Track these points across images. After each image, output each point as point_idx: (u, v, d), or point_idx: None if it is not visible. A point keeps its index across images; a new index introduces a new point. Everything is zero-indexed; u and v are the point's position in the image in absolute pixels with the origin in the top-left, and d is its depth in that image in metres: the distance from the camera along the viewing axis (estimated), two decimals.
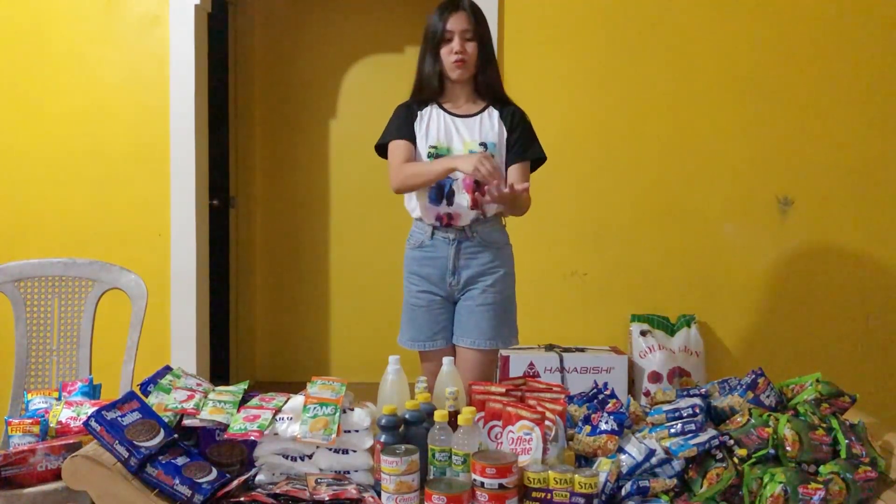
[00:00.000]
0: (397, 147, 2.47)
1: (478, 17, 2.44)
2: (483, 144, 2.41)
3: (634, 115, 3.62)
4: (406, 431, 1.75)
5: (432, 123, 2.46)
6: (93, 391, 2.25)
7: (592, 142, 3.63)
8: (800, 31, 3.58)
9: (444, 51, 2.42)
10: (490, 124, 2.44)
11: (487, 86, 2.47)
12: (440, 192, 2.42)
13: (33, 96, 3.63)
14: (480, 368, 2.42)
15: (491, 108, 2.47)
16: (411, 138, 2.45)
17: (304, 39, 4.91)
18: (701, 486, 1.67)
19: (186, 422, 1.76)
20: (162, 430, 1.69)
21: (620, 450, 1.72)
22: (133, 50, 3.61)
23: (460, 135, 2.43)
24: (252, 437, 1.71)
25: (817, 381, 1.93)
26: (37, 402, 2.19)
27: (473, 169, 2.23)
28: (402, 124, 2.48)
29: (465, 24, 2.40)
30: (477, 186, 2.40)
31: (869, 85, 3.59)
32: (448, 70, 2.43)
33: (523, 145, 2.46)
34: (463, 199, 2.41)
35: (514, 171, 2.45)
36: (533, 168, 2.53)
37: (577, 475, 1.59)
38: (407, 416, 1.76)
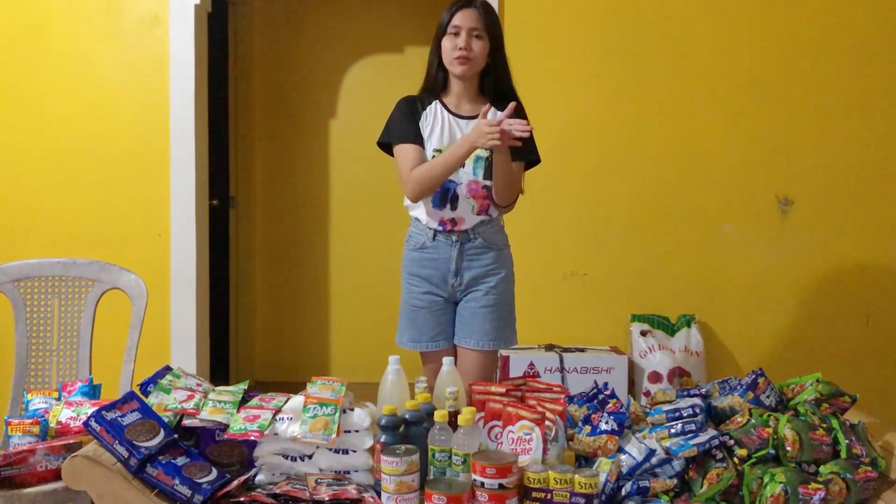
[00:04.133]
0: (405, 152, 2.39)
1: (490, 17, 2.39)
2: (489, 148, 2.37)
3: (634, 115, 3.62)
4: (406, 431, 1.75)
5: (436, 124, 2.41)
6: (93, 391, 2.24)
7: (592, 142, 3.63)
8: (800, 31, 3.58)
9: (446, 44, 2.37)
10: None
11: (493, 85, 2.44)
12: (444, 197, 2.38)
13: (33, 96, 3.63)
14: (482, 369, 2.41)
15: (493, 109, 2.40)
16: (418, 140, 2.39)
17: (304, 39, 4.91)
18: (701, 487, 1.67)
19: (186, 422, 1.76)
20: (162, 430, 1.69)
21: (620, 450, 1.72)
22: (133, 50, 3.61)
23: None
24: (252, 437, 1.71)
25: (817, 381, 1.93)
26: (37, 402, 2.19)
27: (490, 143, 2.20)
28: (407, 123, 2.42)
29: (474, 21, 2.35)
30: (487, 192, 2.38)
31: (869, 85, 3.59)
32: (448, 64, 2.39)
33: (524, 147, 2.35)
34: (467, 204, 2.38)
35: None
36: (525, 169, 2.48)
37: (577, 475, 1.59)
38: (407, 416, 1.76)
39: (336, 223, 4.96)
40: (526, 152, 2.38)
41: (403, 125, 2.43)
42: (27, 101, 3.63)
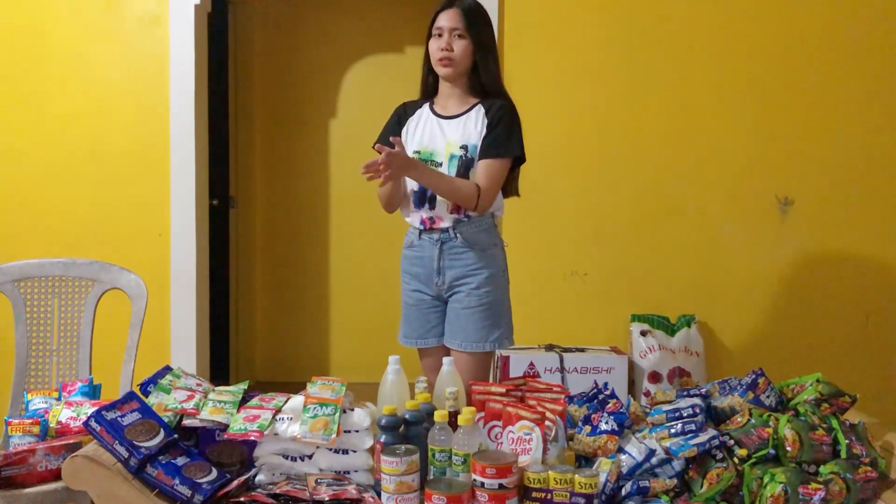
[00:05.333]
0: None
1: (472, 16, 2.39)
2: (464, 147, 2.37)
3: (634, 115, 3.61)
4: (406, 431, 1.75)
5: (419, 127, 2.45)
6: (93, 391, 2.24)
7: (592, 141, 3.63)
8: (800, 31, 3.58)
9: (431, 45, 2.41)
10: (474, 124, 2.39)
11: (482, 85, 2.43)
12: (422, 196, 2.42)
13: (33, 96, 3.63)
14: (471, 370, 2.39)
15: (479, 106, 2.42)
16: None
17: (304, 39, 4.91)
18: (701, 487, 1.67)
19: (186, 422, 1.76)
20: (162, 430, 1.69)
21: (620, 450, 1.72)
22: (133, 50, 3.61)
23: (444, 136, 2.41)
24: (252, 437, 1.71)
25: (817, 381, 1.93)
26: (37, 402, 2.19)
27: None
28: (389, 133, 2.46)
29: (455, 21, 2.36)
30: None
31: (869, 85, 3.59)
32: (434, 66, 2.42)
33: (496, 142, 2.36)
34: (443, 203, 2.40)
35: (480, 168, 2.36)
36: (514, 166, 2.46)
37: (577, 475, 1.59)
38: (407, 416, 1.76)
39: (336, 223, 4.96)
40: (493, 146, 2.37)
41: (384, 136, 2.48)
42: (27, 101, 3.63)
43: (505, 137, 2.38)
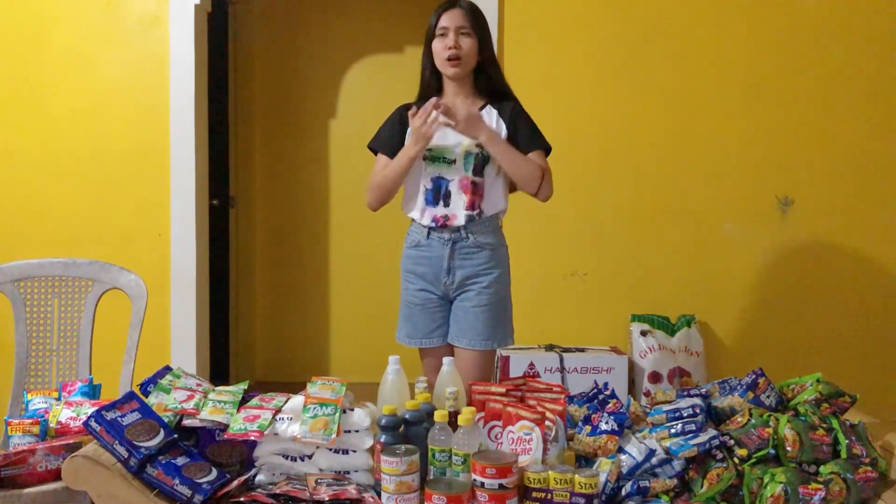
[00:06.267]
0: (378, 162, 2.50)
1: (476, 16, 2.42)
2: (480, 145, 2.39)
3: (634, 115, 3.61)
4: (406, 431, 1.75)
5: None
6: (93, 391, 2.24)
7: (592, 142, 3.63)
8: (800, 31, 3.58)
9: (437, 45, 2.41)
10: (489, 122, 2.42)
11: (488, 84, 2.46)
12: (437, 193, 2.42)
13: (33, 96, 3.63)
14: (477, 368, 2.42)
15: (489, 108, 2.45)
16: (395, 152, 2.45)
17: (304, 39, 4.91)
18: (701, 487, 1.67)
19: (186, 422, 1.76)
20: (162, 430, 1.69)
21: (621, 450, 1.72)
22: (133, 50, 3.61)
23: (457, 135, 2.41)
24: (252, 437, 1.71)
25: (817, 381, 1.93)
26: (37, 402, 2.19)
27: (420, 138, 2.32)
28: (391, 135, 2.48)
29: (460, 20, 2.39)
30: (474, 188, 2.40)
31: (869, 85, 3.59)
32: (441, 66, 2.42)
33: (531, 137, 2.46)
34: (459, 200, 2.40)
35: (533, 158, 2.46)
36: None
37: (577, 475, 1.59)
38: (407, 416, 1.76)
39: (336, 223, 4.96)
40: (525, 142, 2.44)
41: (384, 135, 2.51)
42: (27, 101, 3.63)
43: (535, 132, 2.48)
